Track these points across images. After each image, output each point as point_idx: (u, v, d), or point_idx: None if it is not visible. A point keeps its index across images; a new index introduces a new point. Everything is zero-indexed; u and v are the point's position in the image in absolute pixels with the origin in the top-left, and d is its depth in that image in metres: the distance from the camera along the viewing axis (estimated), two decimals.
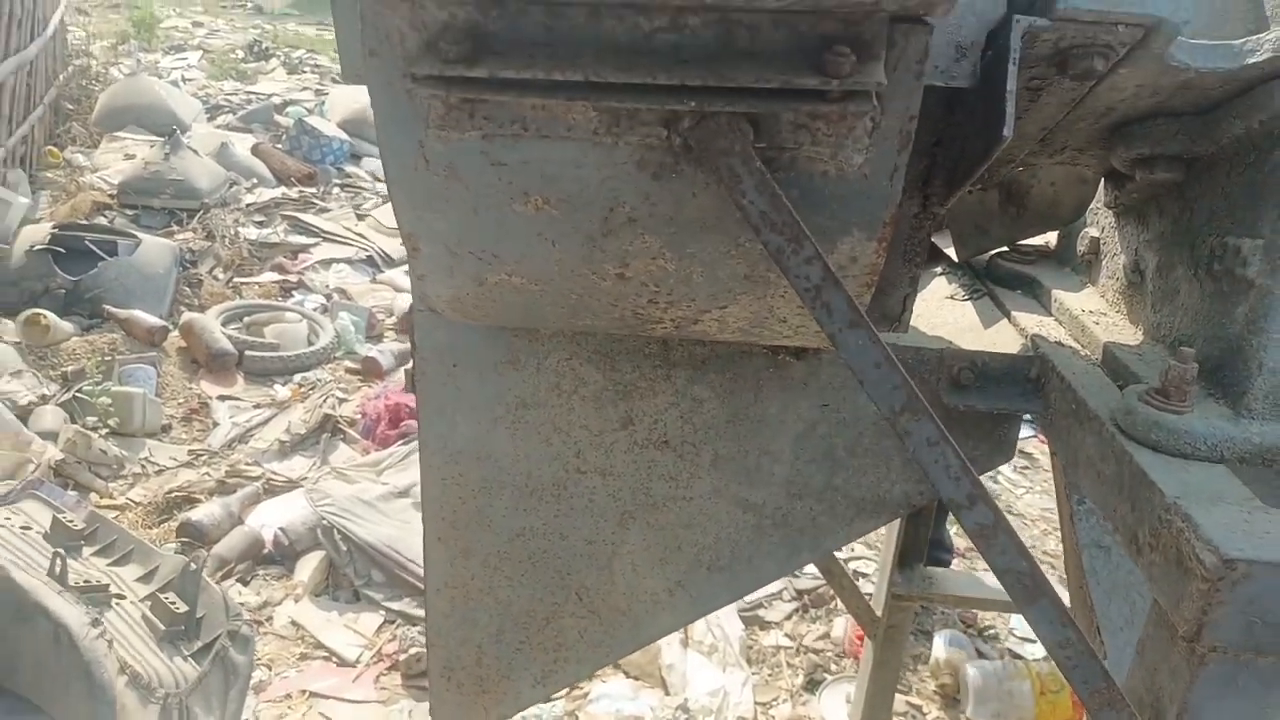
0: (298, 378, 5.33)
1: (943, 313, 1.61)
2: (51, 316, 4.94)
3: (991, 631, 3.82)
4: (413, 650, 3.41)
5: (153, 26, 12.15)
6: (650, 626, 1.56)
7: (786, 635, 3.69)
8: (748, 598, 3.64)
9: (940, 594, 2.66)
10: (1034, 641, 3.58)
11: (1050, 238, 1.73)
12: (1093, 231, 1.50)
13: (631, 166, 0.93)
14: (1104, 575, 1.33)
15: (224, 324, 5.49)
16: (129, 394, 4.53)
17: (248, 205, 7.27)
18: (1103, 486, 1.12)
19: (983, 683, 3.26)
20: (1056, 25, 0.97)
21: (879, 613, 2.59)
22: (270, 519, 3.99)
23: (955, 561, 3.92)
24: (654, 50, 0.83)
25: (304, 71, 12.40)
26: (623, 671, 3.38)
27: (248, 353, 5.33)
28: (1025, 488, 4.90)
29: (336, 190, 8.12)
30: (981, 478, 1.33)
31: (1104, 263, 1.46)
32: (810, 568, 3.45)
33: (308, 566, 3.82)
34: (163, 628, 2.66)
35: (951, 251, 1.68)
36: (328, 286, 6.46)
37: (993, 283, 1.64)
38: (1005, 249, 1.68)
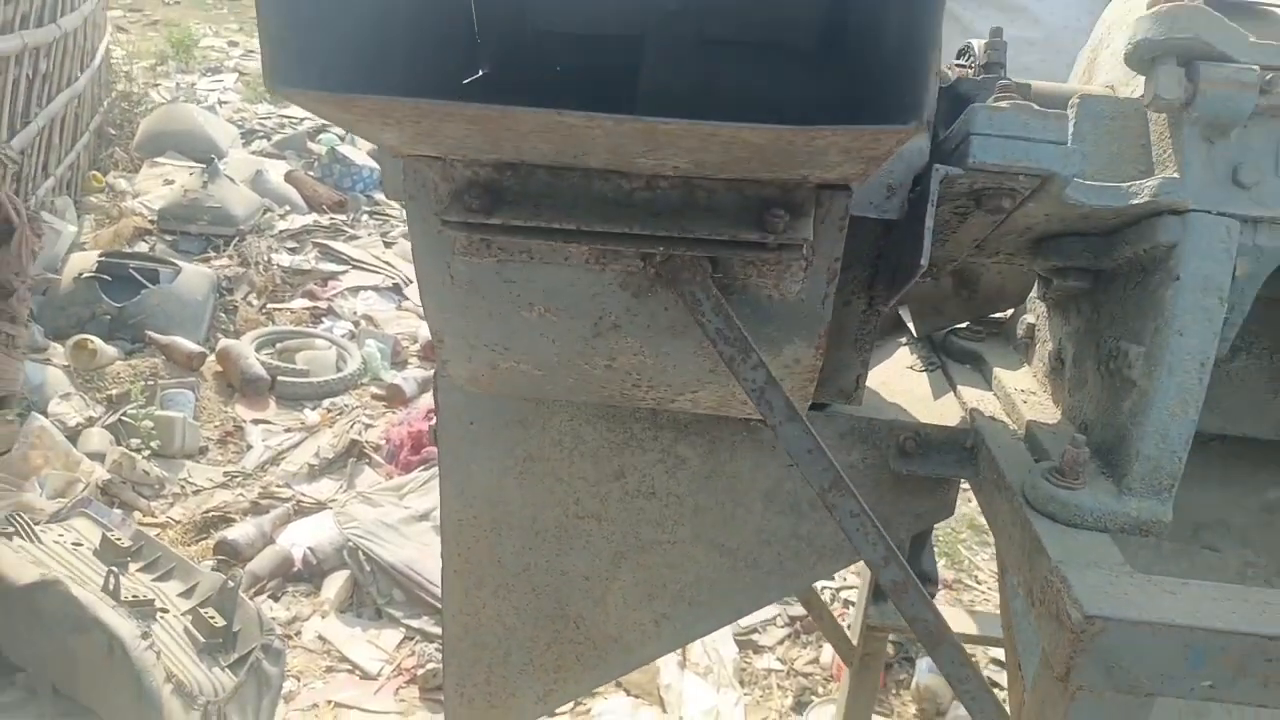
0: (326, 402, 5.51)
1: (903, 381, 1.81)
2: (98, 341, 5.13)
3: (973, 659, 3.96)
4: (430, 665, 3.59)
5: (190, 48, 12.39)
6: (639, 653, 1.74)
7: (778, 659, 3.85)
8: (742, 623, 3.81)
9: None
10: None
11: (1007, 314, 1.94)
12: (1030, 318, 1.70)
13: (616, 286, 1.15)
14: (1025, 621, 1.53)
15: (257, 349, 5.69)
16: (170, 418, 4.75)
17: (280, 232, 7.48)
18: (1013, 547, 1.32)
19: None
20: (969, 173, 1.14)
21: (855, 642, 2.75)
22: (300, 539, 4.20)
23: (942, 593, 4.08)
24: (633, 205, 1.02)
25: None
26: (623, 690, 3.56)
27: (280, 378, 5.52)
28: None
29: (365, 218, 8.30)
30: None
31: (1037, 347, 1.67)
32: None
33: (334, 585, 4.04)
34: (203, 640, 2.86)
35: (914, 326, 1.90)
36: (355, 313, 6.64)
37: (946, 356, 1.83)
38: (960, 325, 1.89)
